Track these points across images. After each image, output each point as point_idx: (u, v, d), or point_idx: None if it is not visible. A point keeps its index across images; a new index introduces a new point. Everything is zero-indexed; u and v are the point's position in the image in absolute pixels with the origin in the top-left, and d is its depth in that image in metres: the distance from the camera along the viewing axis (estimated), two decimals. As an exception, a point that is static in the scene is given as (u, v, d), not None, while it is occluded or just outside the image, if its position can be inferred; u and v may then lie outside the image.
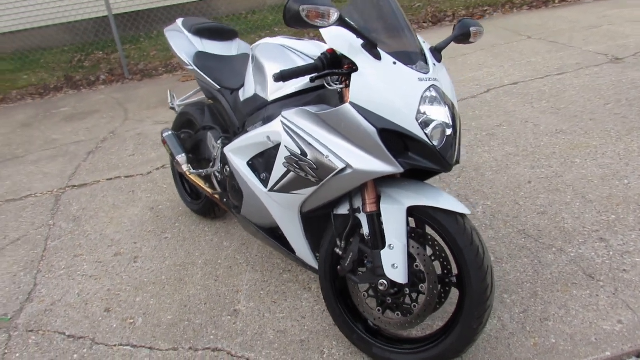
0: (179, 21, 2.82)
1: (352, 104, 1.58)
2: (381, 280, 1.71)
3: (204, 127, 2.58)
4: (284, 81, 1.64)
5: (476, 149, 3.39)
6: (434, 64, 1.69)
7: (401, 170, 1.58)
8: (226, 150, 2.16)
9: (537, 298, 2.07)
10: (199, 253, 2.69)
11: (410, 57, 1.64)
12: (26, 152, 4.46)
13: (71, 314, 2.36)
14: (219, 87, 2.44)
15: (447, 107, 1.61)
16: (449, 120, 1.62)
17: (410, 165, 1.58)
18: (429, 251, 1.77)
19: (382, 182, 1.74)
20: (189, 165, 2.59)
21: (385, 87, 1.56)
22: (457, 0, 7.89)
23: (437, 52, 1.76)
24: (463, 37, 1.84)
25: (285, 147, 1.78)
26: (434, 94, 1.59)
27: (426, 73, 1.62)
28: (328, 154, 1.66)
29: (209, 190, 2.55)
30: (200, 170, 2.55)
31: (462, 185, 2.98)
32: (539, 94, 4.10)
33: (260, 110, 2.02)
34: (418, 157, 1.59)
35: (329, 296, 1.92)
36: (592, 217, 2.53)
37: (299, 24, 1.47)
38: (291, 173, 1.79)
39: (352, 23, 1.55)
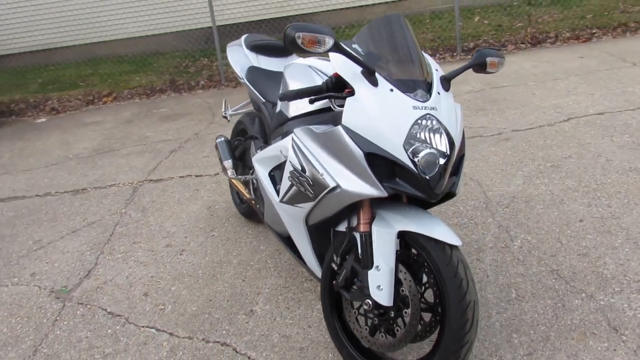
0: (243, 37, 3.04)
1: (343, 126, 1.65)
2: (367, 300, 1.75)
3: (250, 136, 2.77)
4: (287, 101, 1.75)
5: (534, 179, 3.23)
6: (438, 93, 1.71)
7: (385, 194, 1.61)
8: (253, 159, 2.32)
9: (548, 343, 1.96)
10: (236, 253, 2.87)
11: (411, 85, 1.67)
12: (121, 146, 5.01)
13: (116, 293, 2.65)
14: (263, 100, 2.61)
15: (442, 136, 1.62)
16: (445, 150, 1.62)
17: (394, 190, 1.61)
18: (424, 278, 1.78)
19: (380, 203, 1.78)
20: (233, 171, 2.79)
21: (378, 113, 1.61)
22: (563, 21, 7.45)
23: (445, 81, 1.77)
24: (479, 66, 1.83)
25: (290, 162, 1.89)
26: (428, 122, 1.61)
27: (424, 101, 1.64)
28: (323, 172, 1.73)
29: (247, 195, 2.73)
30: (240, 176, 2.74)
31: (506, 216, 2.86)
32: (622, 127, 3.79)
33: (282, 126, 2.15)
34: (404, 183, 1.62)
35: (326, 308, 1.99)
36: (638, 265, 2.32)
37: (297, 50, 1.57)
38: (294, 187, 1.90)
39: (350, 50, 1.62)
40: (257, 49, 2.89)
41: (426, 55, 1.89)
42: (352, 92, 1.68)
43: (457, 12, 6.67)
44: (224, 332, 2.27)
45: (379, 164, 1.62)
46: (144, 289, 2.66)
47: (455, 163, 1.72)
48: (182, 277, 2.71)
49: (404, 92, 1.65)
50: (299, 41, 1.54)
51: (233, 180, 2.83)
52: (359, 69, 1.67)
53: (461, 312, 1.61)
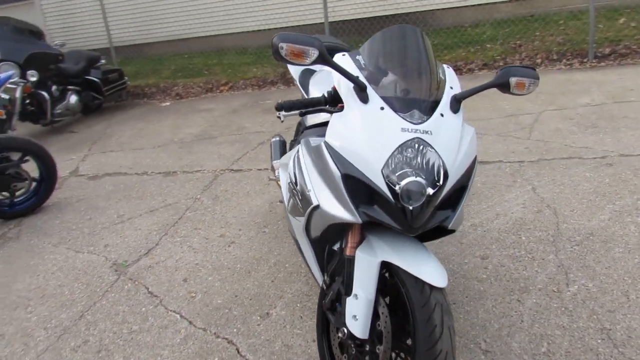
0: (320, 37, 3.03)
1: (326, 143, 1.56)
2: (342, 328, 1.65)
3: (296, 138, 2.76)
4: (284, 111, 1.70)
5: (625, 217, 2.77)
6: (441, 115, 1.53)
7: (359, 221, 1.50)
8: (274, 163, 2.30)
9: (561, 413, 1.68)
10: (277, 252, 2.90)
11: (407, 105, 1.52)
12: (219, 134, 5.32)
13: (161, 275, 2.84)
14: None
15: (433, 164, 1.45)
16: (434, 179, 1.46)
17: (369, 218, 1.49)
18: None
19: (373, 228, 1.66)
20: (278, 171, 2.81)
21: (361, 132, 1.50)
22: None
23: (455, 101, 1.58)
24: (503, 87, 1.61)
25: (288, 172, 1.84)
26: (415, 147, 1.46)
27: (418, 123, 1.49)
28: (310, 188, 1.66)
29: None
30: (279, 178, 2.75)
31: (573, 255, 2.50)
32: None
33: (301, 134, 2.10)
34: (381, 211, 1.49)
35: (318, 327, 1.92)
36: None
37: (282, 61, 1.52)
38: (291, 199, 1.85)
39: (337, 63, 1.52)
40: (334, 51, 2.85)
41: (448, 71, 1.71)
42: (343, 107, 1.59)
43: (592, 12, 5.93)
44: (235, 330, 2.31)
45: (359, 187, 1.50)
46: (186, 274, 2.81)
47: (452, 196, 1.53)
48: (221, 269, 2.81)
49: (397, 111, 1.51)
50: (283, 52, 1.48)
51: (275, 180, 2.85)
52: (351, 84, 1.56)
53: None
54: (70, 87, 6.38)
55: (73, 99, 6.34)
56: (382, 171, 1.45)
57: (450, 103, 1.58)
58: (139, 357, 2.22)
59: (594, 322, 2.06)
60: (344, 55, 1.71)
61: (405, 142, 1.46)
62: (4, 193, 3.70)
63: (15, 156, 3.74)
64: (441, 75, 1.68)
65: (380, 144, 1.47)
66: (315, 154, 1.66)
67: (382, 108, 1.52)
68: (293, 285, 2.57)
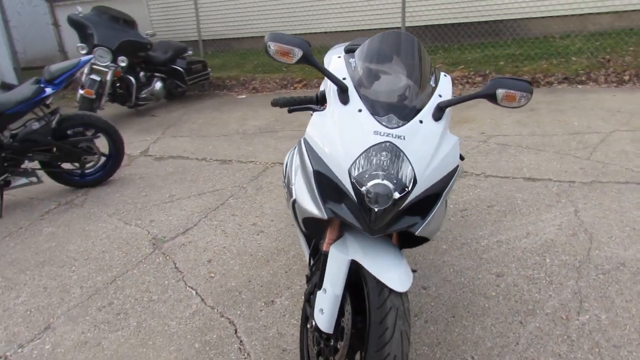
0: (356, 40, 3.07)
1: (304, 139, 1.62)
2: (312, 320, 1.71)
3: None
4: (279, 107, 1.78)
5: (668, 251, 2.55)
6: (420, 121, 1.54)
7: (324, 217, 1.55)
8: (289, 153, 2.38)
9: None
10: (297, 246, 2.99)
11: (385, 109, 1.55)
12: (281, 129, 5.51)
13: (190, 253, 3.04)
14: None
15: (401, 168, 1.47)
16: (402, 183, 1.47)
17: (334, 215, 1.53)
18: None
19: (350, 226, 1.70)
20: None
21: (335, 132, 1.54)
22: None
23: (439, 109, 1.57)
24: (489, 98, 1.57)
25: (284, 164, 1.92)
26: (385, 151, 1.48)
27: (392, 128, 1.51)
28: (294, 183, 1.73)
29: None
30: None
31: (595, 284, 2.35)
32: None
33: None
34: (346, 210, 1.52)
35: (302, 315, 1.98)
36: None
37: (271, 58, 1.60)
38: (285, 190, 1.93)
39: (320, 65, 1.58)
40: (352, 52, 2.89)
41: (443, 79, 1.70)
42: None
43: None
44: (239, 312, 2.43)
45: (329, 184, 1.55)
46: (211, 256, 2.99)
47: (423, 203, 1.53)
48: (244, 255, 2.96)
49: (374, 114, 1.54)
50: (271, 50, 1.57)
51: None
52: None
53: (376, 363, 1.46)
54: (156, 74, 6.88)
55: (158, 85, 6.83)
56: (349, 171, 1.48)
57: (434, 111, 1.58)
58: (150, 323, 2.41)
59: (594, 355, 1.94)
60: (339, 57, 1.76)
61: (375, 144, 1.49)
62: (75, 164, 4.12)
63: (89, 132, 4.14)
64: (432, 83, 1.68)
65: (351, 145, 1.51)
66: (299, 150, 1.73)
67: (359, 110, 1.55)
68: (303, 279, 2.65)
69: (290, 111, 1.79)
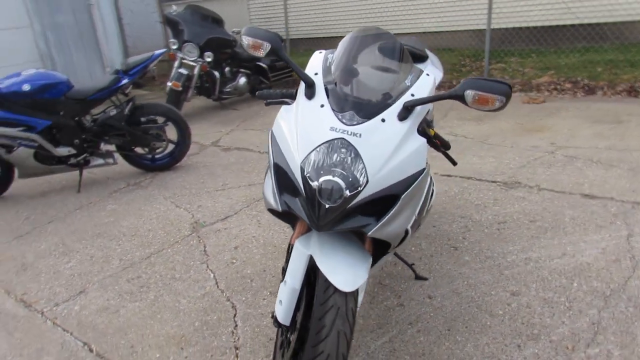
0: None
1: (271, 132, 1.65)
2: (274, 310, 1.73)
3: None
4: (262, 99, 1.82)
5: None
6: (382, 120, 1.50)
7: (279, 209, 1.56)
8: None
9: None
10: (321, 242, 3.01)
11: (347, 105, 1.53)
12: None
13: (222, 239, 3.19)
14: None
15: (352, 166, 1.45)
16: (353, 181, 1.45)
17: (287, 208, 1.54)
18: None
19: None
20: None
21: (295, 126, 1.56)
22: None
23: (404, 109, 1.52)
24: (458, 99, 1.49)
25: None
26: (337, 147, 1.47)
27: (350, 125, 1.49)
28: (267, 174, 1.77)
29: None
30: None
31: (620, 317, 2.11)
32: None
33: None
34: (299, 204, 1.53)
35: None
36: None
37: (248, 51, 1.65)
38: None
39: (288, 59, 1.59)
40: (388, 52, 2.85)
41: (423, 79, 1.64)
42: (299, 101, 1.65)
43: None
44: (244, 299, 2.52)
45: (287, 177, 1.57)
46: (239, 243, 3.11)
47: (378, 203, 1.49)
48: (268, 245, 3.04)
49: (336, 110, 1.53)
50: (245, 43, 1.62)
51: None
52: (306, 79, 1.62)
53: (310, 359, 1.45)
54: (241, 70, 7.23)
55: (242, 80, 7.17)
56: (301, 165, 1.49)
57: (400, 110, 1.53)
58: (165, 299, 2.58)
59: (589, 392, 1.75)
60: (320, 52, 1.76)
61: (329, 140, 1.48)
62: (145, 149, 4.49)
63: (160, 120, 4.48)
64: (407, 82, 1.62)
65: (307, 140, 1.51)
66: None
67: (322, 105, 1.55)
68: (314, 274, 2.66)
69: (267, 104, 1.82)
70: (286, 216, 1.76)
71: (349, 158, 1.46)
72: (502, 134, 4.67)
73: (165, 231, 3.37)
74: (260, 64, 7.33)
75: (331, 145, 1.48)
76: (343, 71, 1.63)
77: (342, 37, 1.76)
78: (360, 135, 1.48)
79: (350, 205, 1.45)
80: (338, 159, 1.46)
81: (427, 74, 1.68)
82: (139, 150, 4.55)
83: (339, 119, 1.51)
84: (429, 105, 1.63)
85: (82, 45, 8.37)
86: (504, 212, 3.13)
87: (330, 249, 1.59)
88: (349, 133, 1.48)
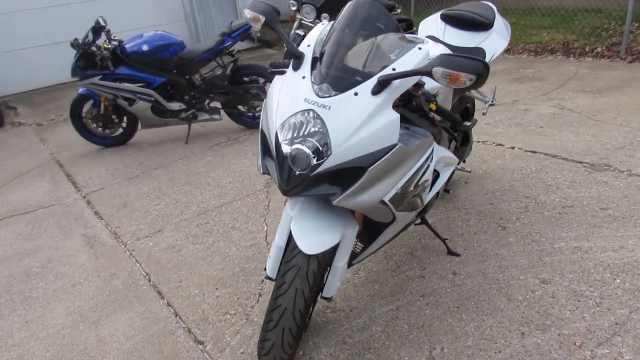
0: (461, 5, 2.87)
1: (265, 101, 1.76)
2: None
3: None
4: (273, 69, 1.94)
5: None
6: (355, 94, 1.54)
7: (260, 171, 1.70)
8: None
9: None
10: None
11: (324, 78, 1.59)
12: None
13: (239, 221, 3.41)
14: None
15: (318, 137, 1.52)
16: (324, 151, 1.52)
17: (266, 171, 1.67)
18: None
19: None
20: None
21: (278, 95, 1.66)
22: None
23: (379, 83, 1.53)
24: (428, 74, 1.47)
25: None
26: (306, 118, 1.55)
27: (322, 97, 1.55)
28: None
29: None
30: None
31: (652, 321, 1.89)
32: None
33: None
34: (274, 168, 1.64)
35: None
36: None
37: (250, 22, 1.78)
38: None
39: (280, 31, 1.68)
40: (449, 19, 2.73)
41: (412, 53, 1.61)
42: (294, 72, 1.74)
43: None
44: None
45: (267, 143, 1.69)
46: (300, 202, 3.31)
47: (346, 174, 1.55)
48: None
49: (316, 82, 1.60)
50: (246, 16, 1.74)
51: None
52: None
53: (270, 309, 1.61)
54: (358, 32, 7.26)
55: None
56: (276, 132, 1.60)
57: (374, 84, 1.54)
58: (220, 245, 2.91)
59: None
60: (322, 23, 1.81)
61: (300, 111, 1.56)
62: (245, 107, 4.86)
63: (261, 80, 4.80)
64: (393, 56, 1.61)
65: (284, 109, 1.61)
66: None
67: (303, 77, 1.63)
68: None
69: (270, 73, 1.93)
70: None
71: (316, 129, 1.53)
72: (616, 110, 4.14)
73: (242, 184, 3.70)
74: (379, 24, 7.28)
75: (302, 115, 1.56)
76: (330, 44, 1.67)
77: None
78: (329, 107, 1.54)
79: (314, 174, 1.53)
80: (307, 128, 1.54)
81: (420, 48, 1.64)
82: (241, 107, 4.94)
83: (314, 90, 1.58)
84: (411, 80, 1.58)
85: (220, 4, 9.10)
86: (575, 196, 2.88)
87: (309, 213, 1.70)
88: (319, 105, 1.55)
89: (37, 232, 3.35)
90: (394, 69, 1.58)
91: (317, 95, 1.57)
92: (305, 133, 1.54)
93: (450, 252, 2.50)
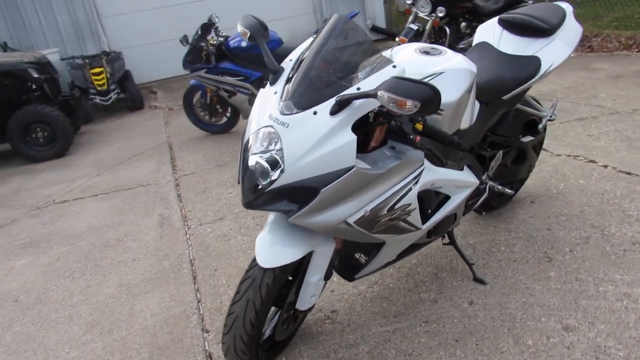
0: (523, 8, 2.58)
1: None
2: None
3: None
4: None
5: None
6: (314, 113, 1.52)
7: (237, 181, 1.75)
8: None
9: None
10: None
11: (292, 95, 1.59)
12: (575, 100, 4.80)
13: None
14: None
15: (274, 155, 1.53)
16: (277, 169, 1.54)
17: (240, 181, 1.73)
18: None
19: None
20: None
21: (256, 108, 1.69)
22: None
23: (337, 104, 1.49)
24: (374, 97, 1.39)
25: None
26: (267, 134, 1.57)
27: (284, 114, 1.56)
28: None
29: None
30: None
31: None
32: None
33: None
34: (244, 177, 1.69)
35: None
36: None
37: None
38: None
39: (264, 46, 1.70)
40: (506, 23, 2.46)
41: (385, 70, 1.53)
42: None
43: None
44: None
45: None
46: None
47: (307, 193, 1.54)
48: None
49: (282, 99, 1.60)
50: (238, 31, 1.80)
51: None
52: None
53: (227, 314, 1.68)
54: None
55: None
56: (244, 145, 1.64)
57: (333, 104, 1.50)
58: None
59: None
60: (312, 37, 1.78)
61: (263, 127, 1.58)
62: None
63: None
64: (361, 75, 1.53)
65: (253, 123, 1.65)
66: None
67: (275, 92, 1.64)
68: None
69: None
70: None
71: (272, 146, 1.54)
72: None
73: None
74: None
75: (263, 132, 1.58)
76: (304, 61, 1.64)
77: None
78: (287, 125, 1.53)
79: (270, 189, 1.55)
80: (266, 145, 1.56)
81: (394, 66, 1.54)
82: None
83: (279, 108, 1.58)
84: (375, 101, 1.47)
85: (348, -2, 9.24)
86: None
87: (277, 225, 1.73)
88: (279, 122, 1.55)
89: (127, 208, 3.82)
90: (358, 89, 1.51)
91: (280, 112, 1.58)
92: (269, 148, 1.56)
93: (477, 279, 2.31)
